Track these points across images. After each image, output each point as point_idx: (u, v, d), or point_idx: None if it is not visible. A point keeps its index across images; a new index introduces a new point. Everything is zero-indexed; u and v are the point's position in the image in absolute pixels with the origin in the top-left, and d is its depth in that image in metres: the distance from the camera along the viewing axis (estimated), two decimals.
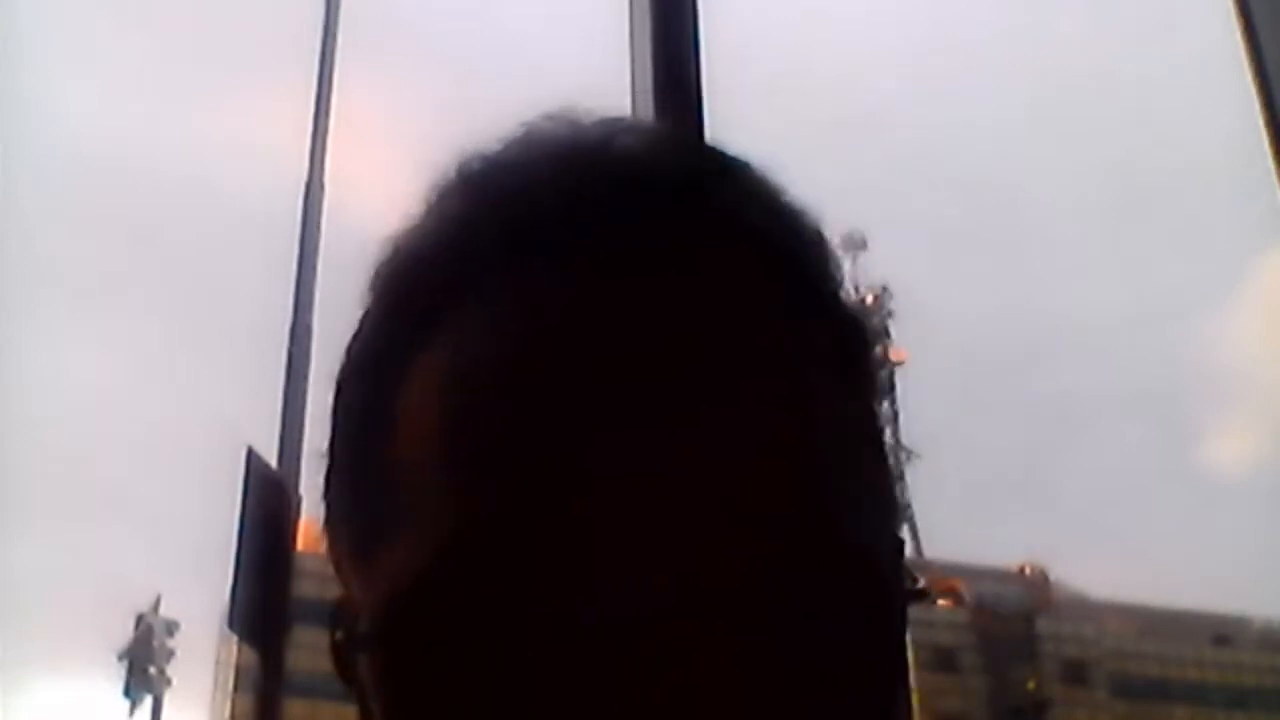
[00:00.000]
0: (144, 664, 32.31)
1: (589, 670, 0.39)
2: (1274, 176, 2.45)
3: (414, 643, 0.41)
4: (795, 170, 0.49)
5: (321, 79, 6.31)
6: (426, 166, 0.49)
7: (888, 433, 0.54)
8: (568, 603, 0.40)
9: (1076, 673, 37.16)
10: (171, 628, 33.07)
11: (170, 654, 32.73)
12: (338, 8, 6.65)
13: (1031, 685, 36.47)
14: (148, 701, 32.52)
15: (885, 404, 0.53)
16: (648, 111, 2.03)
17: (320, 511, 0.50)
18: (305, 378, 4.88)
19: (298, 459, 4.23)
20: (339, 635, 0.46)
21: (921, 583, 0.47)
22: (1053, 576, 38.55)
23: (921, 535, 35.39)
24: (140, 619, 33.06)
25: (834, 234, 0.50)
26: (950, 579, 36.30)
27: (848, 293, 0.50)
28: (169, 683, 32.61)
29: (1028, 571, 38.65)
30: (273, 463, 4.02)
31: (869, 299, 36.61)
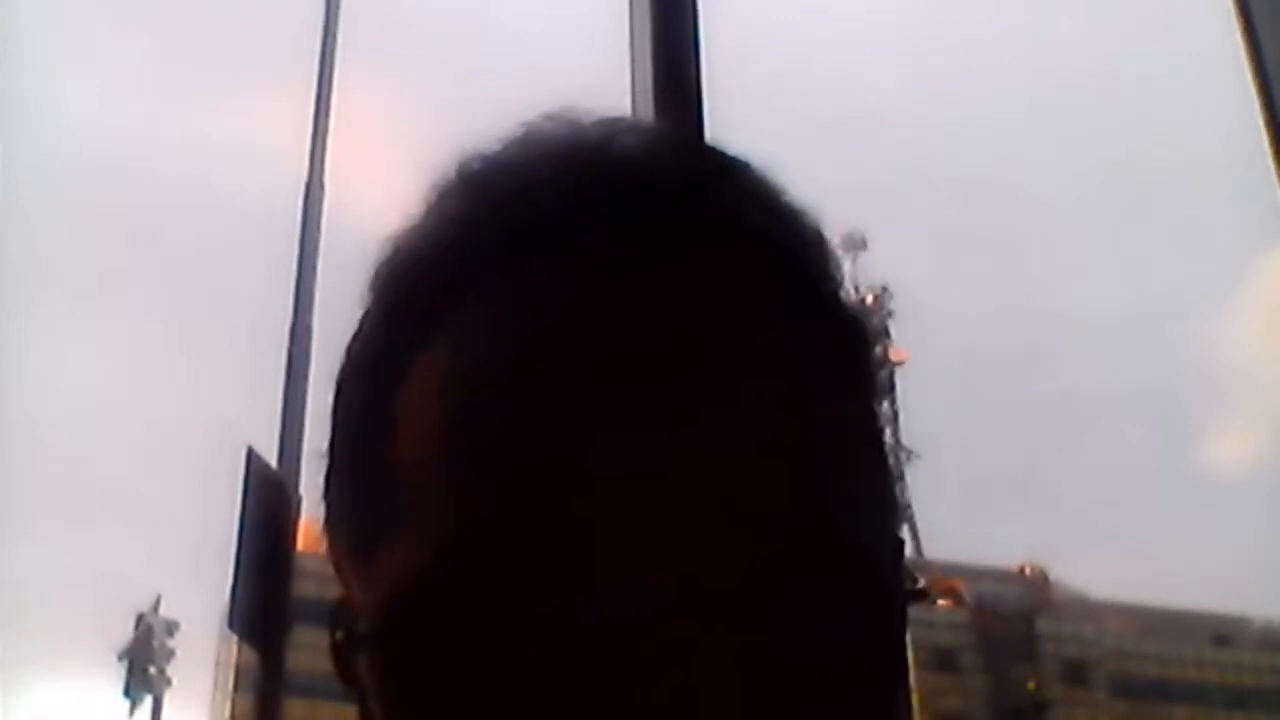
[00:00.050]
0: (144, 664, 32.31)
1: (589, 670, 0.39)
2: (1274, 176, 2.45)
3: (414, 643, 0.41)
4: (795, 170, 0.49)
5: (321, 79, 6.31)
6: (426, 166, 0.49)
7: (888, 433, 0.54)
8: (568, 603, 0.40)
9: (1076, 673, 37.16)
10: (171, 628, 33.10)
11: (170, 654, 32.77)
12: (338, 8, 6.66)
13: (1031, 685, 36.47)
14: (148, 701, 32.54)
15: (885, 404, 0.53)
16: (648, 111, 2.04)
17: (320, 511, 0.50)
18: (305, 378, 4.88)
19: (298, 459, 4.23)
20: (339, 635, 0.46)
21: (921, 583, 0.47)
22: (1053, 576, 38.59)
23: (921, 535, 35.42)
24: (140, 619, 33.07)
25: (834, 234, 0.50)
26: (950, 579, 36.30)
27: (848, 293, 0.50)
28: (169, 683, 32.65)
29: (1028, 571, 38.65)
30: (273, 463, 4.02)
31: (869, 299, 36.60)
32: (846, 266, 0.52)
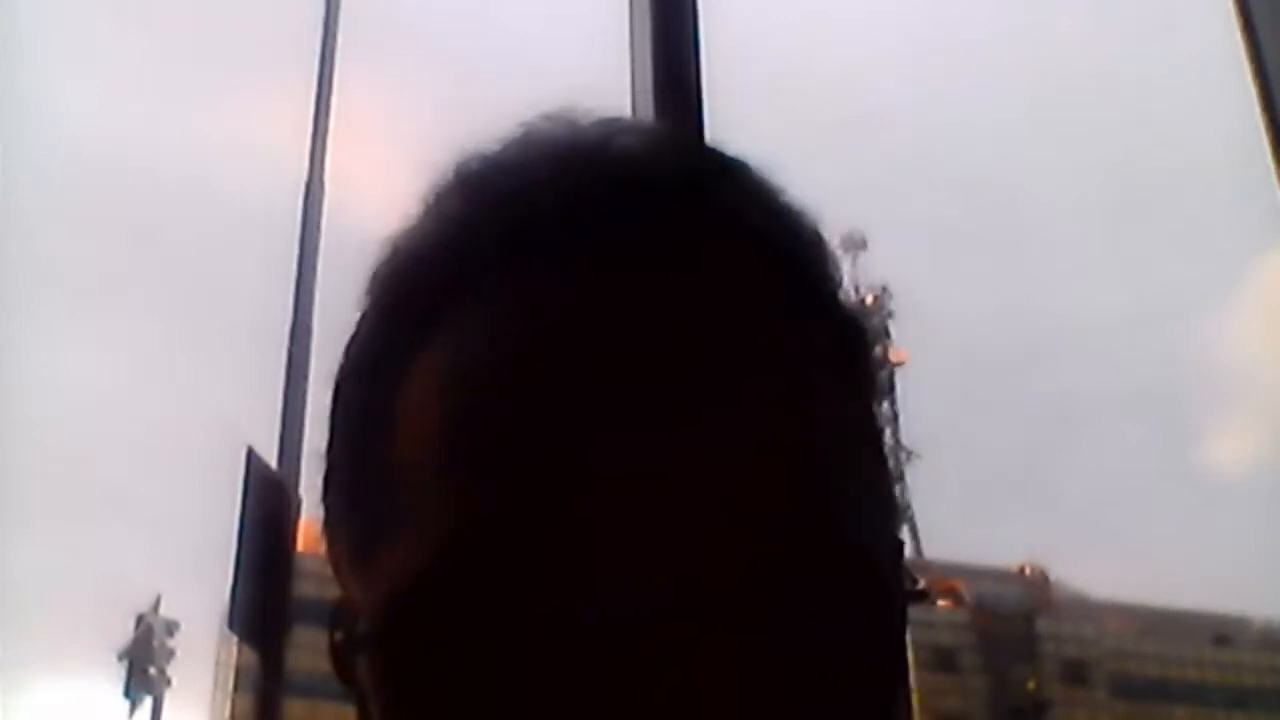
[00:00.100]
0: (144, 664, 32.32)
1: (589, 670, 0.39)
2: (1274, 176, 2.45)
3: (414, 643, 0.41)
4: (795, 170, 0.49)
5: (321, 79, 6.31)
6: (426, 166, 0.49)
7: (888, 433, 0.54)
8: (568, 603, 0.40)
9: (1076, 673, 37.16)
10: (171, 628, 33.11)
11: (170, 654, 32.78)
12: (338, 8, 6.65)
13: (1031, 685, 36.47)
14: (148, 702, 32.54)
15: (885, 404, 0.53)
16: (648, 111, 2.04)
17: (320, 512, 0.50)
18: (305, 378, 4.88)
19: (298, 459, 4.23)
20: (339, 636, 0.45)
21: (921, 583, 0.48)
22: (1053, 576, 38.60)
23: (921, 535, 35.42)
24: (140, 619, 33.08)
25: (834, 234, 0.50)
26: (950, 579, 36.30)
27: (847, 293, 0.50)
28: (169, 683, 32.66)
29: (1028, 571, 38.66)
30: (273, 463, 4.02)
31: (869, 299, 36.61)
32: (846, 266, 0.52)
